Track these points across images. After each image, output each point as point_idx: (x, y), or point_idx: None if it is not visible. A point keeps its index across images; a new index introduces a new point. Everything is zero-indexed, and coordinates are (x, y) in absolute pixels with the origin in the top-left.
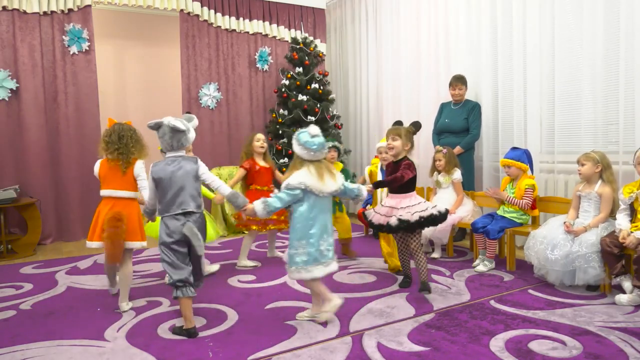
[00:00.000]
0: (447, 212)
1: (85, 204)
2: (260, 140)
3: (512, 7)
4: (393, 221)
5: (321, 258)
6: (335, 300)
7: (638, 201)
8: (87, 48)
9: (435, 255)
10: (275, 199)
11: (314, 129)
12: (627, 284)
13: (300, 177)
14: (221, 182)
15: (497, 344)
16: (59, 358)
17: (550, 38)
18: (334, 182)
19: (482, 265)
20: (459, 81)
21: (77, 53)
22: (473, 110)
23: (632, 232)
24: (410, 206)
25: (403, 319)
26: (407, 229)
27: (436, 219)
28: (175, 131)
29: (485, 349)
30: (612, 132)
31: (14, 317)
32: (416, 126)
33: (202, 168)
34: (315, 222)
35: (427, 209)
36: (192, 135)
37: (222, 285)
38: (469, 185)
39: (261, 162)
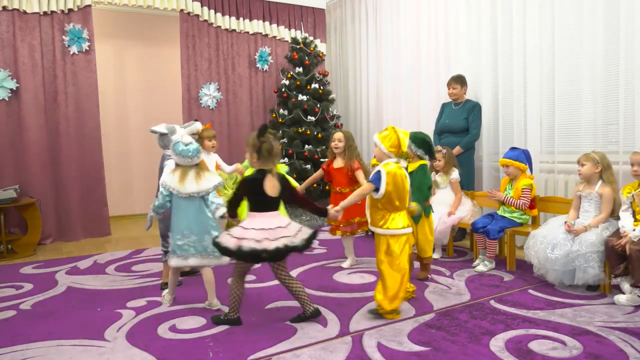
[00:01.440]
0: (292, 248)
1: (85, 203)
2: (334, 141)
3: (512, 7)
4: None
5: (178, 251)
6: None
7: (635, 202)
8: (87, 48)
9: (436, 255)
10: (156, 201)
11: (187, 138)
12: (626, 286)
13: (165, 179)
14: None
15: (497, 344)
16: (59, 358)
17: (550, 38)
18: (196, 184)
19: (482, 265)
20: (453, 80)
21: (77, 53)
22: (473, 110)
23: (635, 227)
24: (258, 229)
25: (403, 319)
26: (237, 257)
27: (271, 254)
28: (161, 135)
29: (485, 349)
30: (612, 132)
31: (14, 317)
32: (260, 131)
33: (167, 167)
34: (176, 219)
35: (264, 239)
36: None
37: (222, 286)
38: (468, 185)
39: (336, 163)
